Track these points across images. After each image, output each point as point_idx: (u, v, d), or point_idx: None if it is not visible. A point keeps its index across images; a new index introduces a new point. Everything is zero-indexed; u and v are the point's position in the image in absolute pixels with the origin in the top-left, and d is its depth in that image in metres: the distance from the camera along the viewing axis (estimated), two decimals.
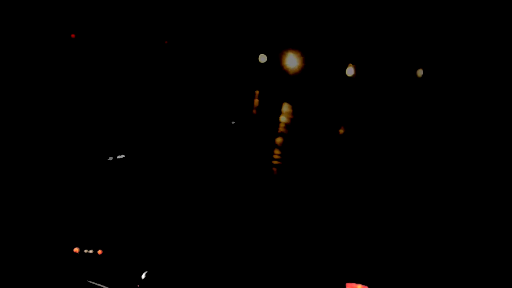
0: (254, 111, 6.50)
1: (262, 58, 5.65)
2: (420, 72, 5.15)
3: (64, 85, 8.03)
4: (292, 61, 6.01)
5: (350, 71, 5.78)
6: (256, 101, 6.40)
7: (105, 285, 7.34)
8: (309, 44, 5.98)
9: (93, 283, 7.43)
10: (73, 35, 7.74)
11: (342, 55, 5.98)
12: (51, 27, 7.66)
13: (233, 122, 6.62)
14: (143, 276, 6.93)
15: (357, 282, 5.59)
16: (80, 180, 8.29)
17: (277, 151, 6.52)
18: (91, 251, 7.89)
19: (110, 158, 8.13)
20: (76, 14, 7.52)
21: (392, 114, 5.62)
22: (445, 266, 5.11)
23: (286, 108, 6.32)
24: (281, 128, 6.40)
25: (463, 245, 5.03)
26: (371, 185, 5.73)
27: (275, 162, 6.53)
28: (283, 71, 6.25)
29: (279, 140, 6.48)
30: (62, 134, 8.22)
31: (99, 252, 7.92)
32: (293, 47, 6.14)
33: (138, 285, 6.93)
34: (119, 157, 7.86)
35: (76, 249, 8.02)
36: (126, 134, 8.13)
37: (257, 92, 6.42)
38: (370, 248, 5.61)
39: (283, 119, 6.35)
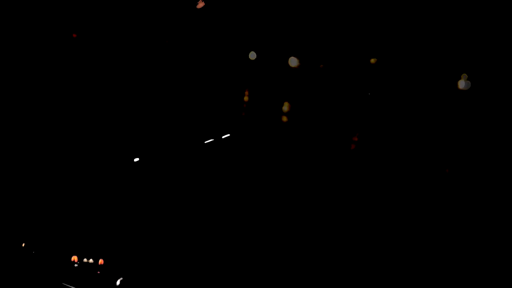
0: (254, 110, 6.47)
1: (252, 55, 5.61)
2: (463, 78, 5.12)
3: (65, 85, 8.03)
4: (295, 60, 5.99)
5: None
6: (246, 99, 6.37)
7: None
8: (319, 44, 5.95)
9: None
10: (74, 35, 7.75)
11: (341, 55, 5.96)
12: (52, 26, 7.68)
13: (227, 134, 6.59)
14: (118, 282, 6.77)
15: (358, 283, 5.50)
16: (78, 183, 8.24)
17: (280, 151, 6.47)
18: (91, 260, 7.71)
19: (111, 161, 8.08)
20: (77, 13, 7.54)
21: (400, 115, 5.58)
22: (446, 267, 5.03)
23: (286, 107, 6.28)
24: (283, 127, 6.36)
25: (464, 246, 4.95)
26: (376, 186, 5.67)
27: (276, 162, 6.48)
28: (286, 70, 6.22)
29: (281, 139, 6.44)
30: (61, 134, 8.19)
31: (100, 261, 7.72)
32: (297, 48, 6.12)
33: None
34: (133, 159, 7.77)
35: (74, 257, 7.81)
36: (127, 135, 8.10)
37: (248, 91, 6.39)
38: (372, 249, 5.54)
39: (284, 117, 6.31)
